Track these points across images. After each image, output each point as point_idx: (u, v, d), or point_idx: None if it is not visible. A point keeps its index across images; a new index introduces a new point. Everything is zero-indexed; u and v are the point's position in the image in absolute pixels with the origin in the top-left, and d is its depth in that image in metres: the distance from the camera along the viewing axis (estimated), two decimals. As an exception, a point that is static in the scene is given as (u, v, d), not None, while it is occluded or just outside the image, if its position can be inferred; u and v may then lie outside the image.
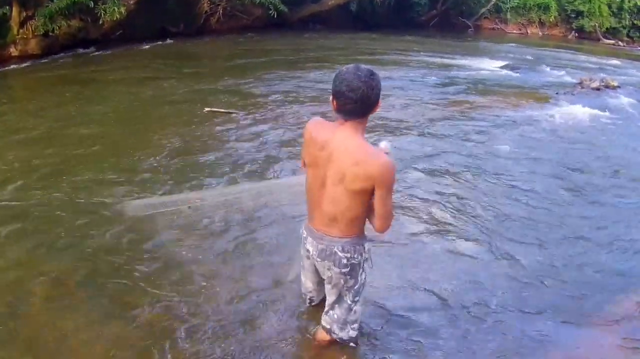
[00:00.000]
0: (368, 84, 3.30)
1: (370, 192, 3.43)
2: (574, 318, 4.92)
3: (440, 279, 5.37)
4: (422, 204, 7.03)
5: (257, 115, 10.65)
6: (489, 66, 18.50)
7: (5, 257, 5.41)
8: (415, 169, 8.17)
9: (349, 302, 3.83)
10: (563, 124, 11.45)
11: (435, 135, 10.05)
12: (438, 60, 19.12)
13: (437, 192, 7.41)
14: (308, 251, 3.83)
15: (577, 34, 32.11)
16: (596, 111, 12.35)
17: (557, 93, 14.31)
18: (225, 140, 9.20)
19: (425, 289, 5.19)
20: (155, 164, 7.93)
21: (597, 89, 14.79)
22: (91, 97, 11.83)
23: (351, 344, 4.03)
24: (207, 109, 10.80)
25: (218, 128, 9.80)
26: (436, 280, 5.34)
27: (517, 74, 17.36)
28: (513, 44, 25.50)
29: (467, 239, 6.21)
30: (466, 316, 4.83)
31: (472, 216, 6.76)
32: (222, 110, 10.83)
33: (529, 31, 32.79)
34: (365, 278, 3.83)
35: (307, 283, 4.15)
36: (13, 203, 6.56)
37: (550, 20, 32.69)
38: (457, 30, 29.09)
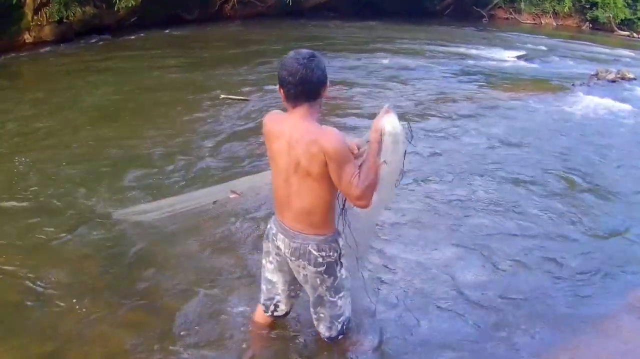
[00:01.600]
0: (306, 65, 3.21)
1: (328, 172, 3.30)
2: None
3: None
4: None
5: (271, 102, 10.61)
6: (504, 56, 18.41)
7: (22, 243, 5.47)
8: (428, 158, 8.20)
9: (332, 299, 3.67)
10: (579, 115, 11.40)
11: (449, 124, 10.08)
12: (453, 49, 19.07)
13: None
14: (279, 248, 3.62)
15: (591, 25, 31.88)
16: (613, 102, 12.30)
17: (573, 84, 14.24)
18: (241, 127, 9.23)
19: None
20: (170, 152, 7.99)
21: (613, 80, 14.71)
22: (104, 85, 11.83)
23: (339, 337, 3.81)
24: (222, 95, 10.82)
25: (234, 114, 9.83)
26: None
27: (532, 65, 17.31)
28: (527, 34, 25.33)
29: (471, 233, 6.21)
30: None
31: (480, 208, 6.77)
32: (237, 97, 10.85)
33: (542, 21, 32.59)
34: (344, 272, 3.66)
35: (276, 285, 3.83)
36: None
37: (565, 10, 32.47)
38: (471, 20, 28.92)
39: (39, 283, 4.86)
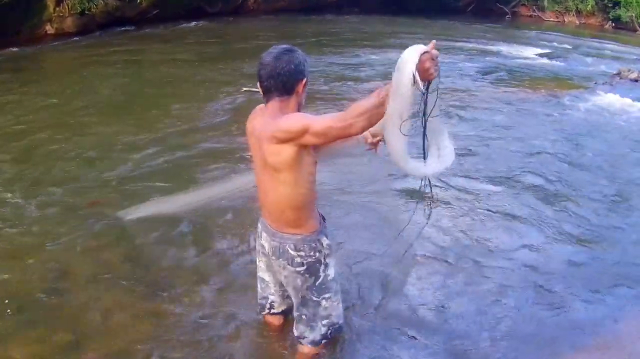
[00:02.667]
0: (278, 57, 3.12)
1: (294, 158, 3.09)
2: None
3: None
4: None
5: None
6: (527, 53, 18.26)
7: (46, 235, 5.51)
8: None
9: (315, 298, 3.48)
10: (601, 113, 11.31)
11: (473, 121, 10.05)
12: (476, 46, 18.99)
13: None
14: (263, 246, 3.54)
15: (613, 24, 31.51)
16: (635, 102, 12.15)
17: (595, 83, 14.12)
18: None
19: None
20: (186, 144, 8.07)
21: (636, 79, 14.54)
22: (123, 77, 11.96)
23: (323, 341, 3.62)
24: (244, 88, 10.84)
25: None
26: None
27: (555, 62, 17.15)
28: (550, 32, 25.16)
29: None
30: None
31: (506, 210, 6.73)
32: (256, 89, 10.74)
33: (565, 19, 32.29)
34: (331, 273, 3.49)
35: (269, 284, 3.76)
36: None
37: (587, 9, 32.14)
38: (493, 17, 28.74)
39: (58, 274, 4.92)
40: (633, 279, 5.39)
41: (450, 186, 7.11)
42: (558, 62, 17.19)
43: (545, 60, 17.42)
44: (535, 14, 32.57)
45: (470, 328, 4.53)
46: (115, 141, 8.06)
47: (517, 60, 17.18)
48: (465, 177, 7.46)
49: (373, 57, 15.58)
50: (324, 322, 3.55)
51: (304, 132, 2.96)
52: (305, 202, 3.31)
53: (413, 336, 4.36)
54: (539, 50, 18.90)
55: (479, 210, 6.57)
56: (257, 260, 3.74)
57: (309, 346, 3.63)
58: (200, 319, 4.36)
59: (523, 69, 15.72)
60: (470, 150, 8.46)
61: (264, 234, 3.50)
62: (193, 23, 19.57)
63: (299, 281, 3.43)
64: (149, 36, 17.36)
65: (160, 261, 5.17)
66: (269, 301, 3.84)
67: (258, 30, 20.11)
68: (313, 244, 3.39)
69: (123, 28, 17.77)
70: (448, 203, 6.66)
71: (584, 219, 6.52)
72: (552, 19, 32.04)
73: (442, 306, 4.78)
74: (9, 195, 6.33)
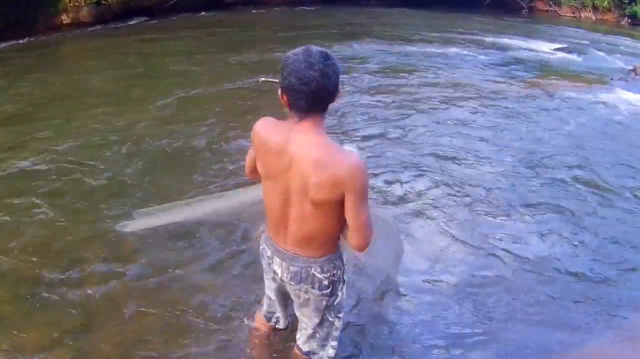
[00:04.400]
0: (323, 72, 2.70)
1: (342, 202, 2.84)
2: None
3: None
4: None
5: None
6: (544, 48, 18.27)
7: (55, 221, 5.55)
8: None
9: (331, 319, 3.30)
10: (617, 109, 11.30)
11: (490, 115, 10.08)
12: (493, 40, 18.99)
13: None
14: (275, 272, 3.23)
15: (630, 20, 31.35)
16: (651, 98, 12.14)
17: (611, 78, 14.13)
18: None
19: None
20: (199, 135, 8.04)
21: (651, 76, 14.56)
22: (140, 67, 11.98)
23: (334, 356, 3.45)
24: (262, 78, 10.86)
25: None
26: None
27: (572, 57, 17.13)
28: (566, 27, 25.09)
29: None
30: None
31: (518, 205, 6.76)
32: (277, 80, 10.74)
33: (582, 15, 32.12)
34: (345, 291, 3.31)
35: (275, 303, 3.56)
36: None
37: (604, 5, 31.95)
38: (510, 11, 28.62)
39: (72, 260, 4.95)
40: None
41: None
42: (574, 58, 17.15)
43: (561, 55, 17.39)
44: (552, 9, 32.44)
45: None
46: (131, 133, 8.07)
47: (533, 54, 17.20)
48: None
49: (398, 48, 15.61)
50: (333, 344, 3.41)
51: (365, 221, 2.88)
52: (340, 229, 3.05)
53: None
54: (556, 45, 18.84)
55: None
56: (265, 278, 3.48)
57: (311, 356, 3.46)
58: (209, 310, 4.39)
59: (539, 63, 15.76)
60: (485, 140, 8.54)
61: (275, 259, 3.19)
62: (206, 13, 19.58)
63: (323, 303, 3.23)
64: (165, 26, 17.37)
65: (175, 246, 5.20)
66: (275, 316, 3.66)
67: (275, 20, 20.15)
68: (337, 262, 3.17)
69: (139, 18, 17.77)
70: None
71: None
72: (568, 14, 31.91)
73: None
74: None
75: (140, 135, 7.92)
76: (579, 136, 9.33)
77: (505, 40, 18.99)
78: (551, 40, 19.96)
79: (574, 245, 5.82)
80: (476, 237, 5.82)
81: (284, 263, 3.15)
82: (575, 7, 32.40)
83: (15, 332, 4.03)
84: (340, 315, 3.35)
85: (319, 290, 3.15)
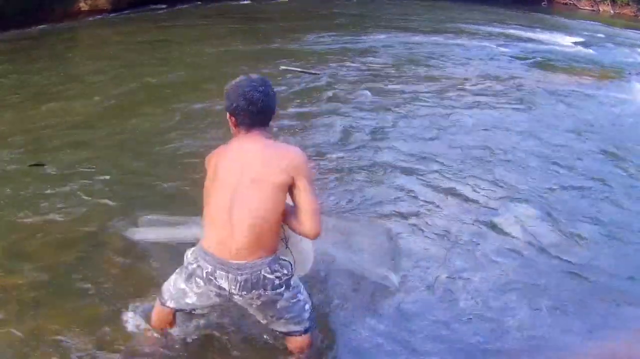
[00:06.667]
0: (265, 92, 3.20)
1: (288, 188, 3.14)
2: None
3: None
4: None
5: (337, 75, 10.78)
6: (563, 41, 18.21)
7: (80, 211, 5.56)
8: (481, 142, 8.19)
9: (293, 300, 3.33)
10: (635, 103, 11.25)
11: (509, 108, 10.03)
12: (512, 32, 18.98)
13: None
14: (221, 287, 3.19)
15: (647, 15, 31.28)
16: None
17: (629, 73, 14.04)
18: (309, 102, 9.30)
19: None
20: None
21: (670, 70, 14.48)
22: (157, 55, 12.02)
23: (314, 325, 3.53)
24: (282, 67, 10.91)
25: (297, 88, 9.90)
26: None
27: (590, 51, 17.02)
28: (585, 21, 24.99)
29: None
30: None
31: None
32: (297, 69, 10.91)
33: (600, 9, 31.95)
34: (297, 280, 3.40)
35: (191, 306, 3.46)
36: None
37: (622, -1, 31.92)
38: (530, 4, 28.53)
39: (93, 248, 4.91)
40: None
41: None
42: (593, 51, 17.03)
43: (579, 48, 17.31)
44: (571, 2, 32.32)
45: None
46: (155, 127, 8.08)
47: (552, 47, 17.15)
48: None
49: (413, 38, 15.61)
50: (306, 308, 3.43)
51: (315, 207, 3.17)
52: (281, 222, 3.23)
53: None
54: (574, 39, 18.76)
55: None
56: (185, 286, 3.36)
57: (303, 336, 3.50)
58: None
59: (558, 56, 15.69)
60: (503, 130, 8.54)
61: (220, 273, 3.16)
62: (219, 4, 19.54)
63: (279, 298, 3.27)
64: (183, 14, 17.42)
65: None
66: (185, 311, 3.58)
67: (294, 9, 20.13)
68: (282, 261, 3.25)
69: (155, 6, 17.80)
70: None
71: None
72: (587, 8, 31.77)
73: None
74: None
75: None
76: (597, 131, 9.22)
77: (524, 33, 18.93)
78: (570, 33, 19.85)
79: (575, 241, 5.67)
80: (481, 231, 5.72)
81: (229, 275, 3.15)
82: (594, 1, 32.25)
83: (36, 319, 3.95)
84: (300, 288, 3.41)
85: (272, 290, 3.20)
